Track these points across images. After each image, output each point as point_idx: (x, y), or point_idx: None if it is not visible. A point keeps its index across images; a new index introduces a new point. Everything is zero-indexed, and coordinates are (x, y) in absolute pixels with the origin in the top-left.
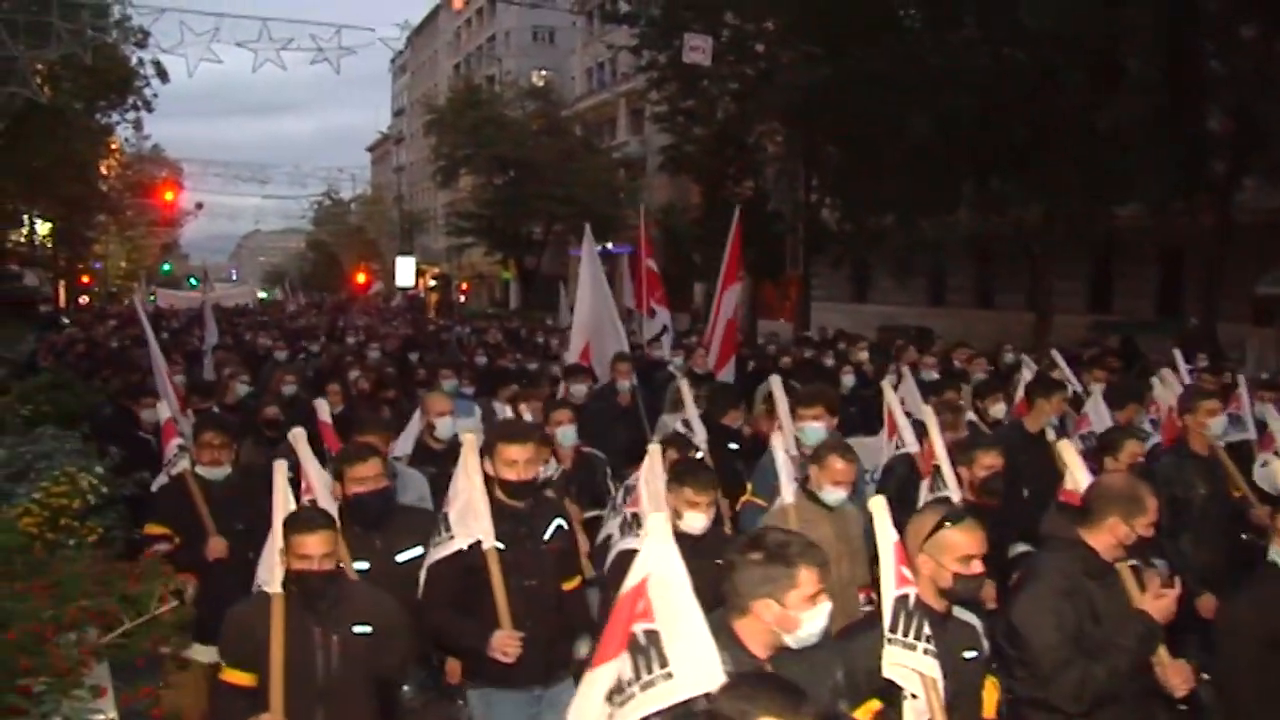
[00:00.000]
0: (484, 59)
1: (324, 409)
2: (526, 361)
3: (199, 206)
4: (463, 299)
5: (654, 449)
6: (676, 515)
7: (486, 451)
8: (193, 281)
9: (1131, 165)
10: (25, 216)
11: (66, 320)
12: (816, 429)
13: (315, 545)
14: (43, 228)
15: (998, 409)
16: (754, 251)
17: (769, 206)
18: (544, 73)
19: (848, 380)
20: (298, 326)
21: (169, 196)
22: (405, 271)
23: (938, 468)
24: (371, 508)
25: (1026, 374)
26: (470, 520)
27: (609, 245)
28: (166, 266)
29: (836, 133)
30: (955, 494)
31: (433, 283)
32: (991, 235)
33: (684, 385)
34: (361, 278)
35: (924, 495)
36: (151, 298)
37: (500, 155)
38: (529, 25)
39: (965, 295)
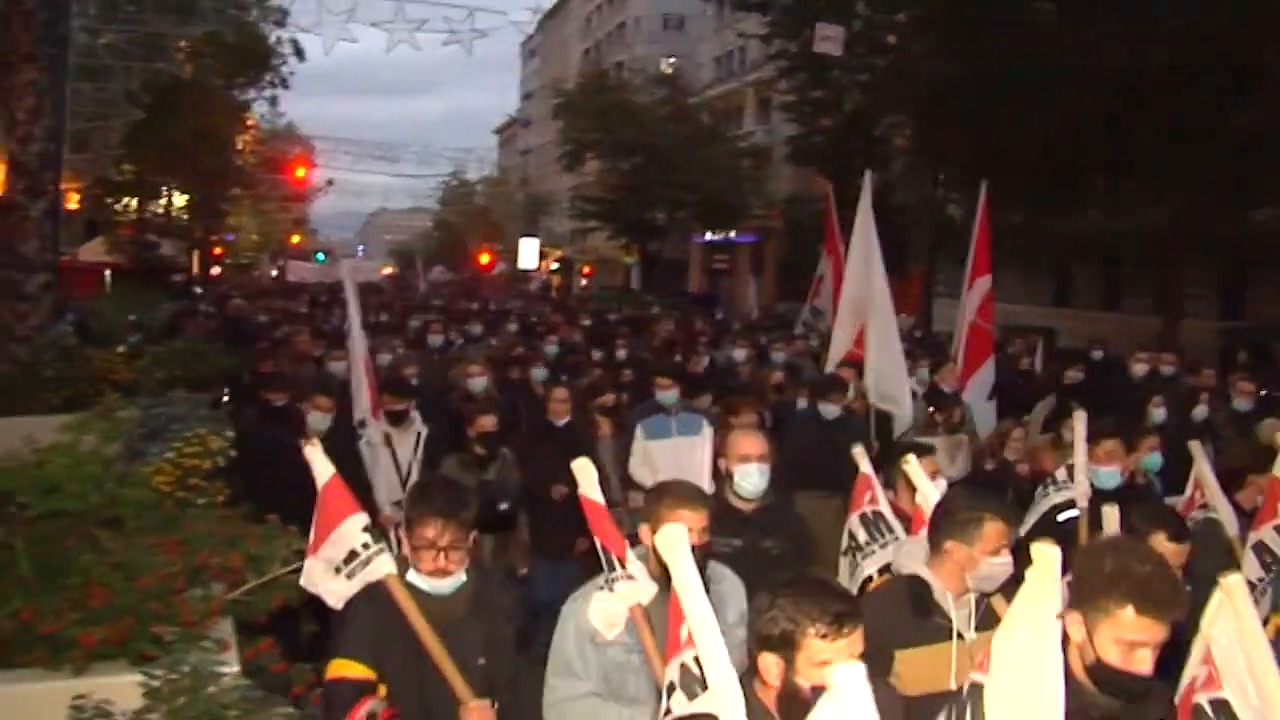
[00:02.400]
0: (614, 45)
1: (590, 478)
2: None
3: (329, 183)
4: (584, 282)
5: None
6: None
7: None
8: (319, 257)
9: (1269, 167)
10: (164, 188)
11: (199, 289)
12: (1112, 474)
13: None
14: (179, 199)
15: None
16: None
17: (895, 199)
18: (673, 60)
19: (1158, 414)
20: (443, 307)
21: (300, 173)
22: (529, 253)
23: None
24: None
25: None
26: None
27: (732, 234)
28: (321, 256)
29: (965, 127)
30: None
31: (555, 265)
32: (1120, 235)
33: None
34: (485, 258)
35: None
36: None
37: (627, 141)
38: (660, 12)
39: (1091, 296)
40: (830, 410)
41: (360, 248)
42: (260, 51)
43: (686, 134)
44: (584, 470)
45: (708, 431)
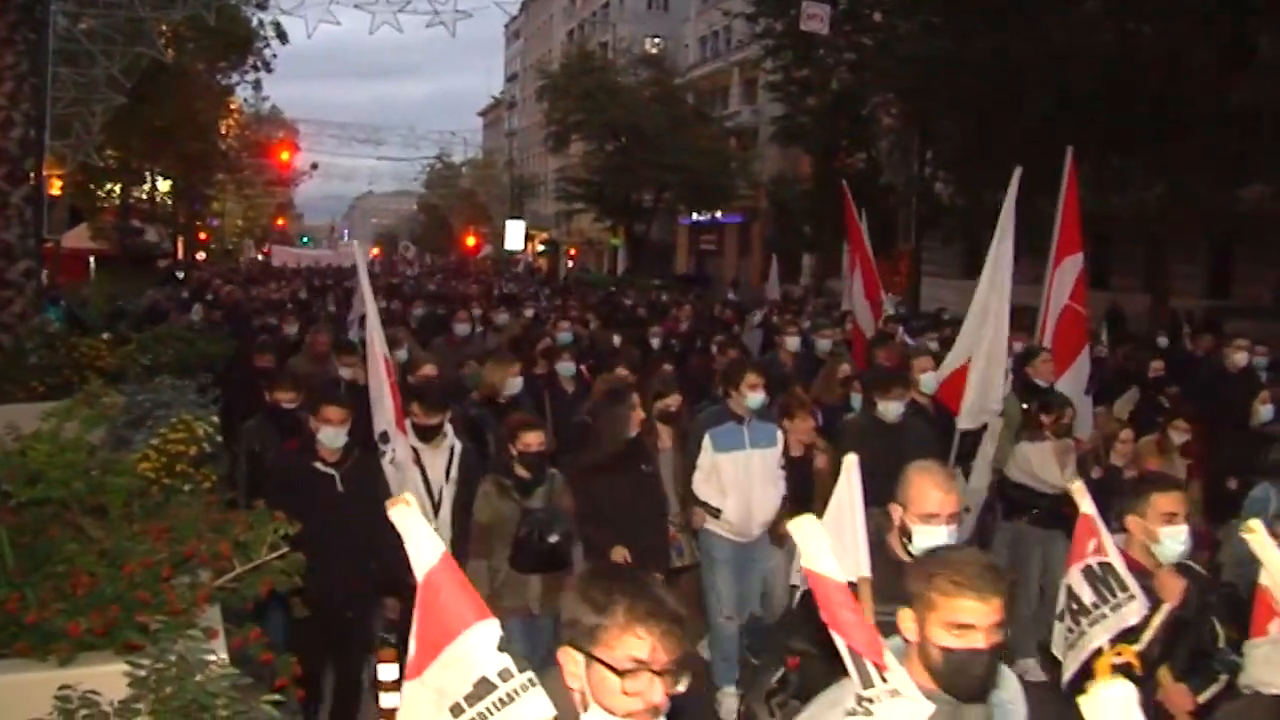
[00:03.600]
0: (598, 25)
1: (818, 545)
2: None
3: (314, 167)
4: (570, 265)
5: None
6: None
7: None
8: (304, 240)
9: (1258, 146)
10: (147, 174)
11: (181, 275)
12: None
13: None
14: (163, 185)
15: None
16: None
17: (881, 179)
18: (658, 40)
19: (1265, 412)
20: (439, 292)
21: (285, 156)
22: (515, 235)
23: None
24: None
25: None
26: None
27: (718, 215)
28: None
29: (953, 106)
30: None
31: (541, 248)
32: (1109, 214)
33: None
34: (471, 241)
35: None
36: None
37: (612, 122)
38: None
39: None
40: (893, 410)
41: (345, 231)
42: (242, 35)
43: (672, 115)
44: (808, 532)
45: (781, 442)
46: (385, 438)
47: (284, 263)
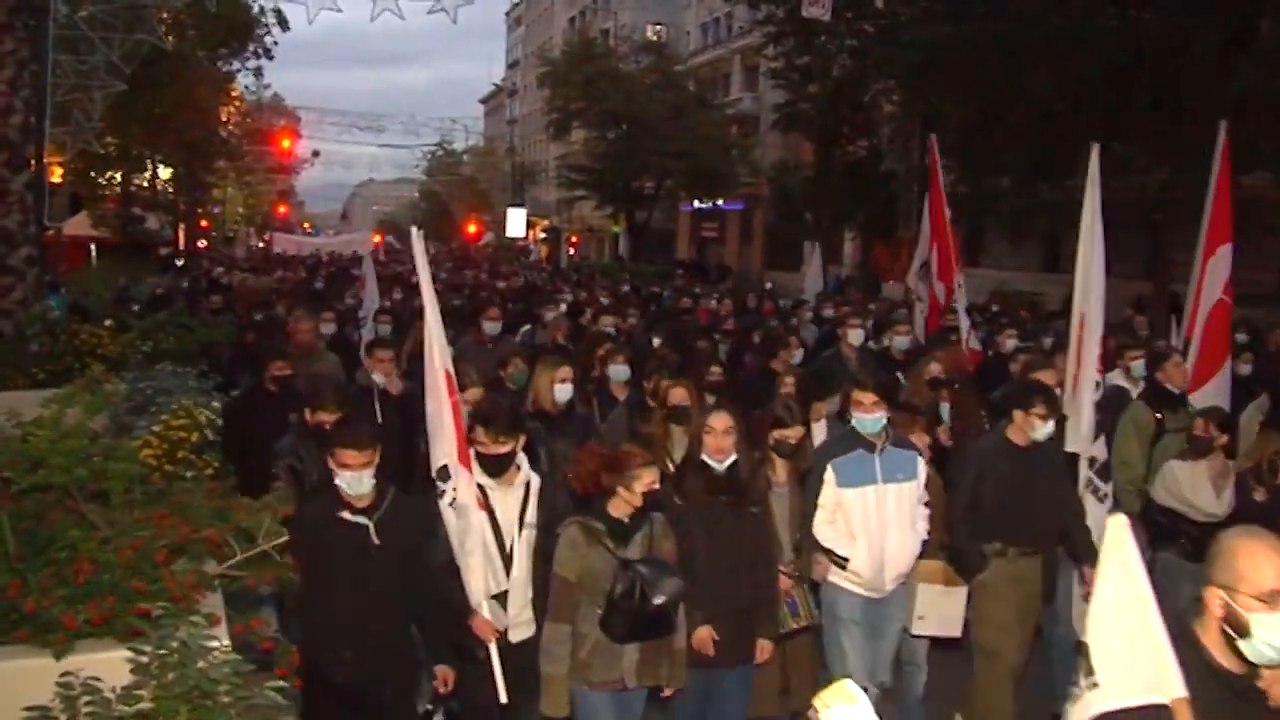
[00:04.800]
0: (599, 12)
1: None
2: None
3: (315, 154)
4: (572, 252)
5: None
6: None
7: None
8: (307, 229)
9: (1261, 131)
10: (148, 161)
11: (181, 262)
12: None
13: None
14: (164, 172)
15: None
16: (866, 212)
17: (883, 166)
18: (659, 27)
19: None
20: (454, 283)
21: (286, 144)
22: (516, 223)
23: None
24: None
25: None
26: None
27: (720, 202)
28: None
29: (955, 93)
30: None
31: (543, 235)
32: (1111, 201)
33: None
34: (473, 228)
35: None
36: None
37: (613, 109)
38: None
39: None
40: (1042, 430)
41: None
42: (243, 21)
43: (673, 102)
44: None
45: (923, 474)
46: (445, 473)
47: (284, 250)
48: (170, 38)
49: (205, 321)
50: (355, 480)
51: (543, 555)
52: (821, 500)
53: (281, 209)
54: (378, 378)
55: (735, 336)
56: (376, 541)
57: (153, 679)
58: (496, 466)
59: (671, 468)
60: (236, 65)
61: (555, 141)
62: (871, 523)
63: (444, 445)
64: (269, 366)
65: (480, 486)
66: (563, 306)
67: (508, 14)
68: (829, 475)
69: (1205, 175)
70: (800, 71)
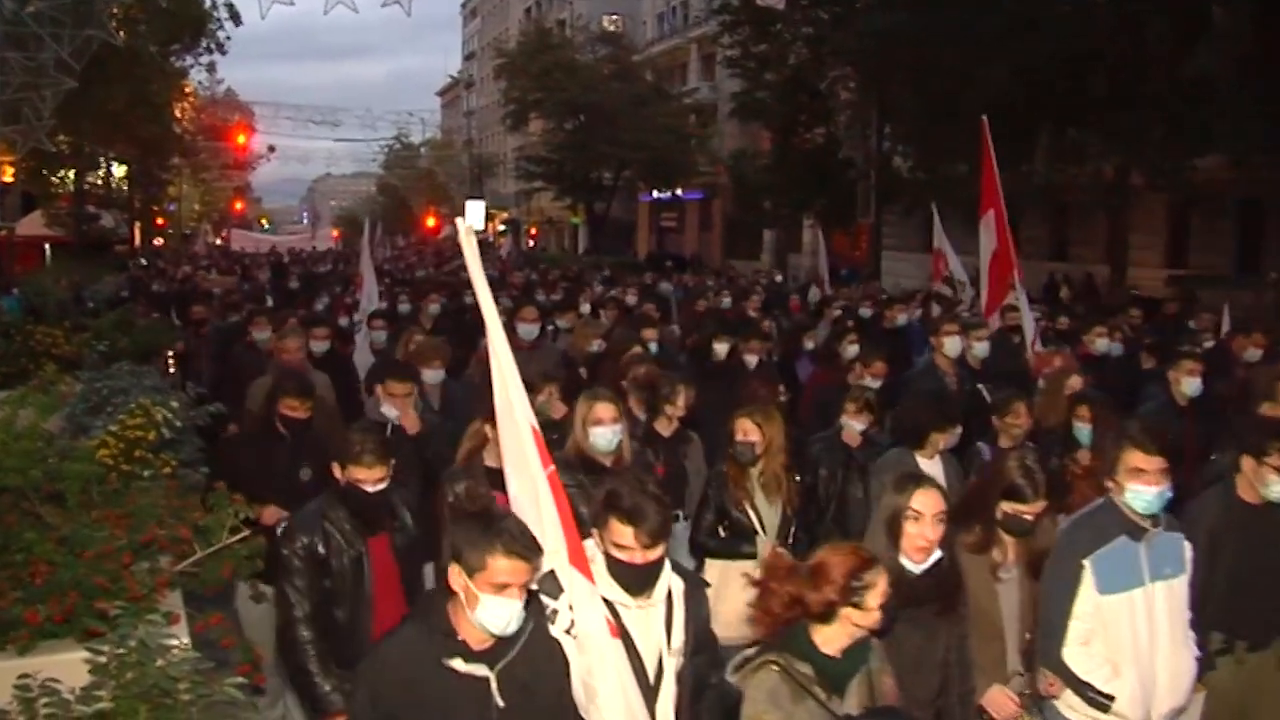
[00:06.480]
0: (555, 3)
1: None
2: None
3: (271, 150)
4: (531, 244)
5: None
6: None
7: None
8: (264, 225)
9: (1213, 115)
10: (102, 159)
11: (144, 261)
12: None
13: None
14: (119, 170)
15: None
16: (824, 199)
17: (840, 154)
18: (615, 17)
19: None
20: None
21: (241, 140)
22: (475, 215)
23: None
24: None
25: None
26: None
27: (679, 192)
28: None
29: (911, 80)
30: None
31: (502, 227)
32: (1068, 186)
33: None
34: (431, 221)
35: None
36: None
37: (570, 100)
38: None
39: (1039, 246)
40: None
41: (304, 214)
42: (195, 16)
43: (630, 92)
44: None
45: (1190, 565)
46: (551, 586)
47: (243, 248)
48: (121, 33)
49: (149, 323)
50: (505, 609)
51: (692, 691)
52: (1077, 611)
53: (238, 205)
54: (389, 411)
55: (784, 344)
56: (501, 703)
57: (112, 678)
58: (642, 580)
59: (754, 515)
60: (189, 60)
61: (513, 133)
62: (1141, 640)
63: (543, 542)
64: (280, 402)
65: (608, 603)
66: (586, 307)
67: (463, 6)
68: (1087, 576)
69: (1160, 159)
70: (757, 60)
